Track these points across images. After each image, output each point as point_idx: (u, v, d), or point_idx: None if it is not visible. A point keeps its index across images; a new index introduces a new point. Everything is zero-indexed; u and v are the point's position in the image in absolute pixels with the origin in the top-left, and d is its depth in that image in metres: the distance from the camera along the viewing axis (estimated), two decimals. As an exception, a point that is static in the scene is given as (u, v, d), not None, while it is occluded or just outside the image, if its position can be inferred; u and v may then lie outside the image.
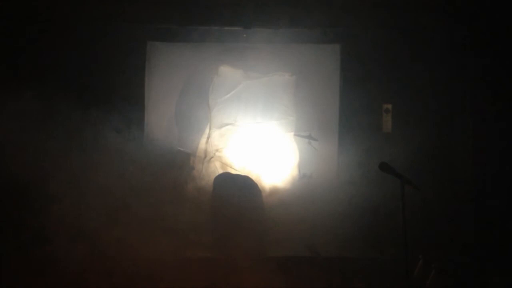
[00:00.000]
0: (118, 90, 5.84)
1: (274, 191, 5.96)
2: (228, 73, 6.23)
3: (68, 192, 4.93)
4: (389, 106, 6.17)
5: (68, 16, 5.85)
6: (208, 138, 6.16)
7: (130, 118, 5.67)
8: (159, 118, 6.24)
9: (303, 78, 6.34)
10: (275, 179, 6.11)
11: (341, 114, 6.23)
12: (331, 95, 6.32)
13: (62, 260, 4.42)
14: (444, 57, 5.99)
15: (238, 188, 5.23)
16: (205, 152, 6.10)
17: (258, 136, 6.14)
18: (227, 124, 6.13)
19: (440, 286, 4.25)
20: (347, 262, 4.99)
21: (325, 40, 6.23)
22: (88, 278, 4.29)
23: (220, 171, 5.83)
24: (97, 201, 4.94)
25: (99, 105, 5.34)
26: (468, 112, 5.94)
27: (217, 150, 6.06)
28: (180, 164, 6.08)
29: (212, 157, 6.05)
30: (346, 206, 5.62)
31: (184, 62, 6.30)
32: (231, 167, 5.90)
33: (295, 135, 6.32)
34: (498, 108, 5.71)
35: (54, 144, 5.10)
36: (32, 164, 4.93)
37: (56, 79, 5.82)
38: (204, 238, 4.92)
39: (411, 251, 3.54)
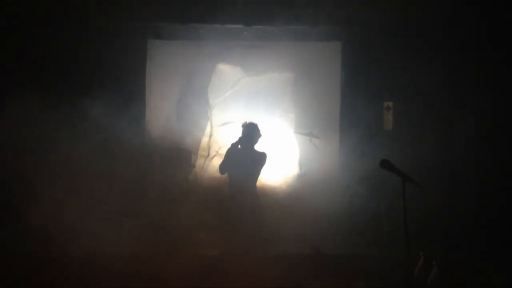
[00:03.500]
0: (119, 88, 5.84)
1: (275, 189, 5.97)
2: (226, 71, 6.24)
3: (68, 190, 4.94)
4: (390, 104, 6.16)
5: (69, 14, 5.85)
6: (210, 136, 6.16)
7: (131, 116, 5.67)
8: (160, 116, 6.25)
9: (304, 75, 6.34)
10: (277, 176, 6.12)
11: (342, 111, 6.23)
12: (332, 93, 6.32)
13: (60, 258, 4.42)
14: (446, 55, 5.98)
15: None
16: (208, 150, 6.11)
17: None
18: (228, 123, 6.12)
19: (441, 284, 4.24)
20: (348, 259, 4.99)
21: (327, 38, 6.22)
22: (87, 276, 4.29)
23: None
24: (97, 198, 4.95)
25: (99, 102, 5.34)
26: (469, 109, 5.93)
27: (219, 148, 6.06)
28: (181, 161, 6.09)
29: (215, 155, 6.06)
30: (347, 203, 5.63)
31: (184, 60, 6.31)
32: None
33: (296, 132, 6.33)
34: (499, 106, 5.70)
35: (52, 142, 5.11)
36: (32, 162, 4.95)
37: (56, 77, 5.83)
38: (205, 236, 4.92)
39: (412, 249, 3.53)
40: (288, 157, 6.29)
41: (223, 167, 5.27)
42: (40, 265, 4.38)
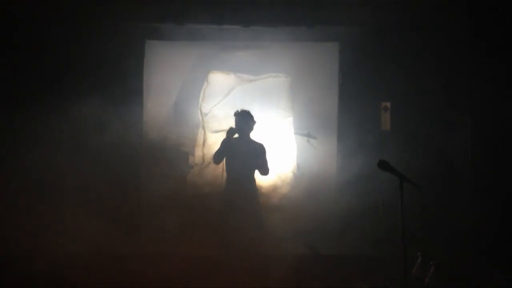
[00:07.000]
0: (116, 88, 5.83)
1: (274, 190, 5.97)
2: (219, 79, 6.23)
3: (64, 190, 4.94)
4: (388, 104, 6.17)
5: (66, 14, 5.84)
6: (204, 142, 6.14)
7: (128, 117, 5.66)
8: (158, 117, 6.24)
9: (302, 76, 6.35)
10: (274, 177, 6.11)
11: (340, 112, 6.23)
12: (330, 93, 6.32)
13: (58, 258, 4.42)
14: (443, 55, 5.99)
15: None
16: (203, 158, 6.09)
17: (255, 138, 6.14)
18: (223, 130, 6.05)
19: (439, 283, 4.26)
20: (346, 260, 5.00)
21: (324, 38, 6.22)
22: (86, 276, 4.29)
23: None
24: (95, 200, 4.95)
25: (97, 103, 5.34)
26: (466, 109, 5.94)
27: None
28: (179, 162, 6.09)
29: (210, 162, 6.01)
30: (345, 203, 5.63)
31: (182, 60, 6.30)
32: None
33: (294, 133, 6.33)
34: (495, 106, 5.71)
35: (47, 143, 5.12)
36: (28, 162, 4.96)
37: (53, 77, 5.82)
38: (202, 237, 4.92)
39: (410, 249, 3.55)
40: (285, 157, 6.29)
41: (218, 155, 5.19)
42: (40, 264, 4.38)
